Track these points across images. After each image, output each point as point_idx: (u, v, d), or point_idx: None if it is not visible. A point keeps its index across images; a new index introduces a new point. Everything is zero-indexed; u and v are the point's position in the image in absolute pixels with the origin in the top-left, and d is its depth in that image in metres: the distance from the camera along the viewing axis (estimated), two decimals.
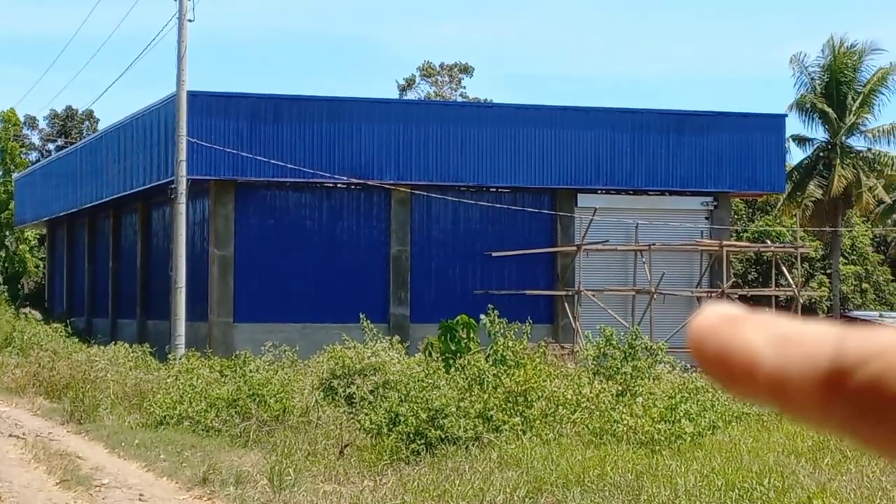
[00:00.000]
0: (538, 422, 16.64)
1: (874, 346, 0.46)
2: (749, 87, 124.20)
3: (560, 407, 17.28)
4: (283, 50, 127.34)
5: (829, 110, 47.57)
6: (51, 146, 69.89)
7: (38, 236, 60.50)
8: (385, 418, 16.32)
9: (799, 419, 0.49)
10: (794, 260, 40.64)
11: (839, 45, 48.28)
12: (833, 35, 48.98)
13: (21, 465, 15.25)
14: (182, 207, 30.21)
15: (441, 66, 69.08)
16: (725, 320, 0.49)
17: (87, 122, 70.19)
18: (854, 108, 47.98)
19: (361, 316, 24.27)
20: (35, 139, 71.62)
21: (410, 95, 67.00)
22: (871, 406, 0.45)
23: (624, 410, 16.75)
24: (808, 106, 48.06)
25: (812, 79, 48.66)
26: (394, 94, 67.92)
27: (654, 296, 35.23)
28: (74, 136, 66.79)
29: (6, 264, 59.82)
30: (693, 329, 0.50)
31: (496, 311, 21.18)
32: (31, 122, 70.72)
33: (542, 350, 21.05)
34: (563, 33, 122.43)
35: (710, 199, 37.17)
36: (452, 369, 19.62)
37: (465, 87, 69.29)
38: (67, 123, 70.47)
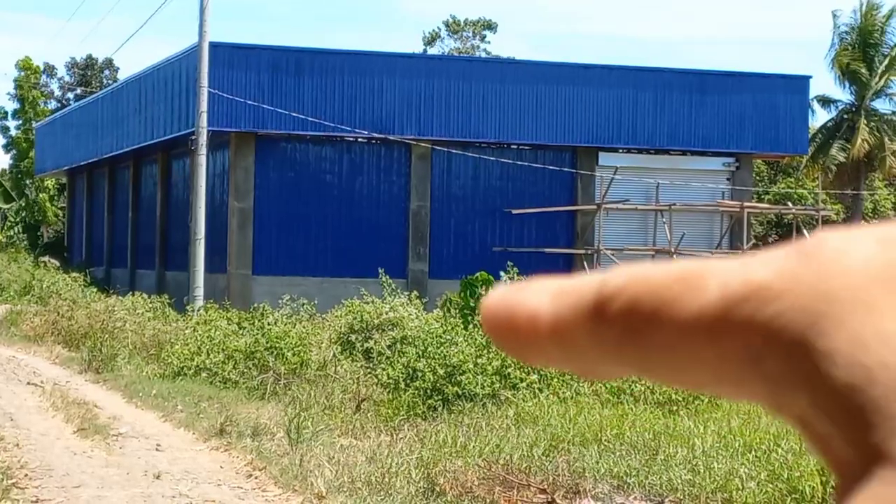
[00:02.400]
0: (555, 380, 16.61)
1: (631, 273, 0.48)
2: (775, 48, 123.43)
3: None
4: (309, 2, 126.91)
5: (863, 69, 47.19)
6: (70, 95, 69.84)
7: (57, 185, 60.61)
8: (402, 374, 16.32)
9: (583, 366, 0.50)
10: (815, 223, 40.45)
11: (868, 5, 47.86)
12: None
13: (39, 413, 15.30)
14: (202, 159, 30.17)
15: (466, 21, 68.84)
16: (511, 291, 0.50)
17: (106, 71, 70.12)
18: (880, 71, 47.63)
19: (380, 271, 24.24)
20: (55, 87, 71.63)
21: (434, 50, 66.80)
22: (633, 328, 0.47)
23: None
24: (843, 65, 47.65)
25: (842, 38, 48.29)
26: (418, 47, 67.73)
27: (674, 256, 35.13)
28: (94, 85, 66.75)
29: (26, 213, 59.99)
30: (482, 304, 0.51)
31: (515, 269, 21.15)
32: (50, 70, 70.68)
33: None
34: None
35: (731, 159, 36.99)
36: (471, 326, 19.60)
37: (488, 43, 69.10)
38: (88, 72, 70.39)
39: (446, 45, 67.78)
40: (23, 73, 62.11)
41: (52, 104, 68.62)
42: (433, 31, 68.83)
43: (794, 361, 0.45)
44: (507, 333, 0.50)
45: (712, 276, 0.47)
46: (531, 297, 0.49)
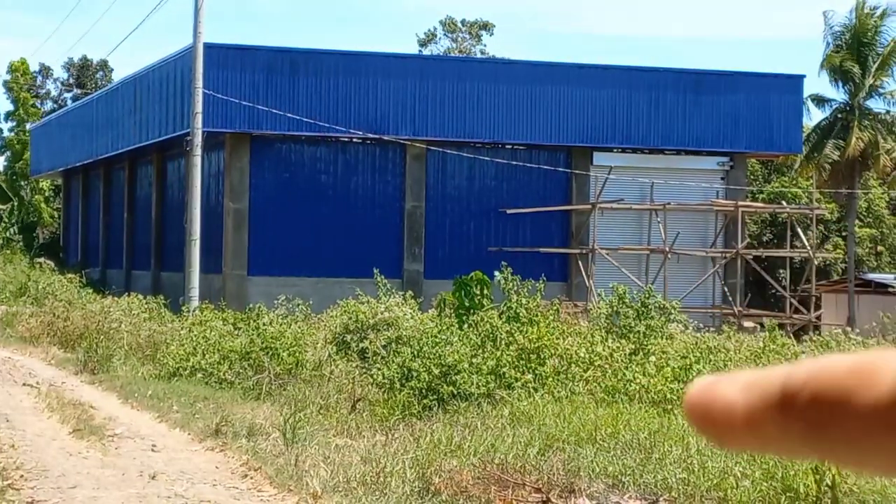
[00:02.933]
0: (550, 379, 16.63)
1: (812, 368, 0.53)
2: (770, 48, 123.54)
3: (573, 365, 17.27)
4: (303, 3, 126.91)
5: (856, 69, 47.25)
6: (66, 95, 69.75)
7: (53, 186, 60.57)
8: (398, 373, 16.33)
9: (776, 451, 0.56)
10: (809, 222, 40.49)
11: (862, 5, 47.92)
12: None
13: (34, 414, 15.31)
14: (197, 160, 30.17)
15: (463, 22, 68.85)
16: (708, 384, 0.57)
17: (101, 72, 70.04)
18: (874, 70, 47.67)
19: (375, 271, 24.26)
20: (51, 87, 71.52)
21: (430, 50, 66.81)
22: (819, 416, 0.52)
23: (637, 369, 16.73)
24: (834, 65, 47.71)
25: (836, 38, 48.34)
26: (414, 48, 67.74)
27: (669, 255, 35.17)
28: (89, 86, 66.67)
29: (21, 214, 59.94)
30: (686, 399, 0.59)
31: (510, 269, 21.16)
32: (46, 71, 70.58)
33: (555, 308, 21.04)
34: None
35: (726, 159, 37.04)
36: (466, 325, 19.62)
37: (484, 45, 69.09)
38: (82, 73, 70.31)
39: (442, 46, 67.78)
40: (12, 76, 62.00)
41: (49, 105, 68.53)
42: (429, 30, 68.83)
43: None
44: (707, 424, 0.56)
45: (884, 368, 0.51)
46: (727, 390, 0.56)
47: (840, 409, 0.51)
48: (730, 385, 0.56)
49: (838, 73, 47.76)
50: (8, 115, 63.40)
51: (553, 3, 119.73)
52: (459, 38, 68.45)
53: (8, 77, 62.03)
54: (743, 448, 0.56)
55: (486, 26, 69.09)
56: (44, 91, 70.32)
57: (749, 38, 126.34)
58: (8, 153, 62.41)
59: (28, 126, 59.94)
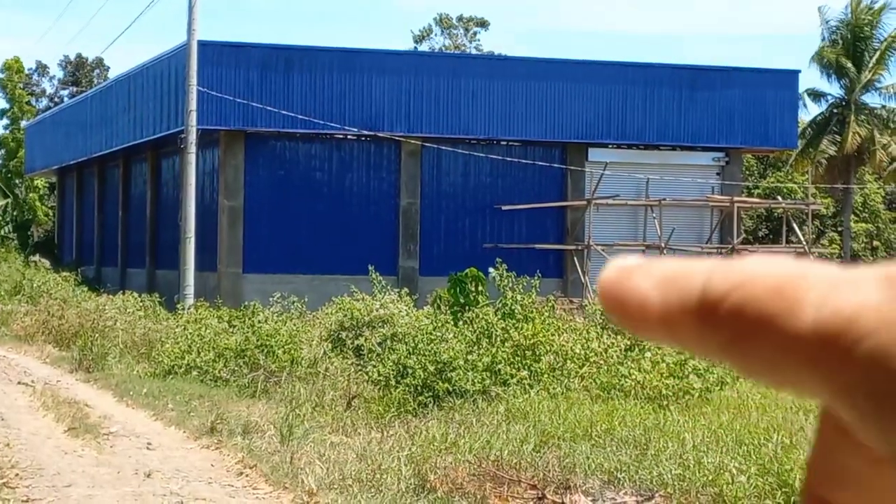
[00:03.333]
0: (546, 376, 16.63)
1: (735, 276, 0.51)
2: (766, 43, 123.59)
3: (568, 361, 17.27)
4: (297, 1, 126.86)
5: (849, 65, 47.27)
6: (62, 93, 69.67)
7: (47, 184, 60.50)
8: (393, 370, 16.32)
9: (688, 350, 0.54)
10: (805, 217, 40.51)
11: (857, 1, 47.94)
12: None
13: (29, 413, 15.28)
14: (192, 157, 30.14)
15: (458, 17, 68.84)
16: (623, 272, 0.55)
17: (97, 71, 69.96)
18: (870, 65, 47.69)
19: (370, 268, 24.23)
20: (46, 86, 71.42)
21: (425, 47, 66.77)
22: (737, 333, 0.50)
23: (632, 366, 16.72)
24: (827, 60, 47.74)
25: (832, 33, 48.36)
26: (409, 45, 67.69)
27: (665, 251, 35.16)
28: (85, 84, 66.60)
29: (16, 212, 59.88)
30: (599, 282, 0.55)
31: (505, 265, 21.15)
32: (43, 69, 70.48)
33: (550, 304, 21.04)
34: None
35: (721, 154, 37.03)
36: (461, 322, 19.61)
37: (479, 41, 69.08)
38: (78, 71, 70.22)
39: (437, 43, 67.73)
40: (5, 74, 61.93)
41: (44, 103, 68.42)
42: (425, 27, 68.77)
43: (886, 400, 0.47)
44: (620, 314, 0.54)
45: (808, 294, 0.50)
46: (639, 282, 0.53)
47: (760, 329, 0.50)
48: (645, 277, 0.54)
49: (832, 68, 47.77)
50: (2, 113, 63.33)
51: (546, 0, 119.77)
52: (454, 35, 68.43)
53: (2, 75, 61.96)
54: (660, 343, 0.54)
55: (481, 23, 69.09)
56: (39, 89, 70.21)
57: (745, 33, 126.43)
58: (2, 151, 62.34)
59: (23, 124, 59.86)
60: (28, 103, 63.55)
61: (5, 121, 63.26)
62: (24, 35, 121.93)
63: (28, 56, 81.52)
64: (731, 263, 0.52)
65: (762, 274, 0.51)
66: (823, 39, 48.52)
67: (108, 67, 69.46)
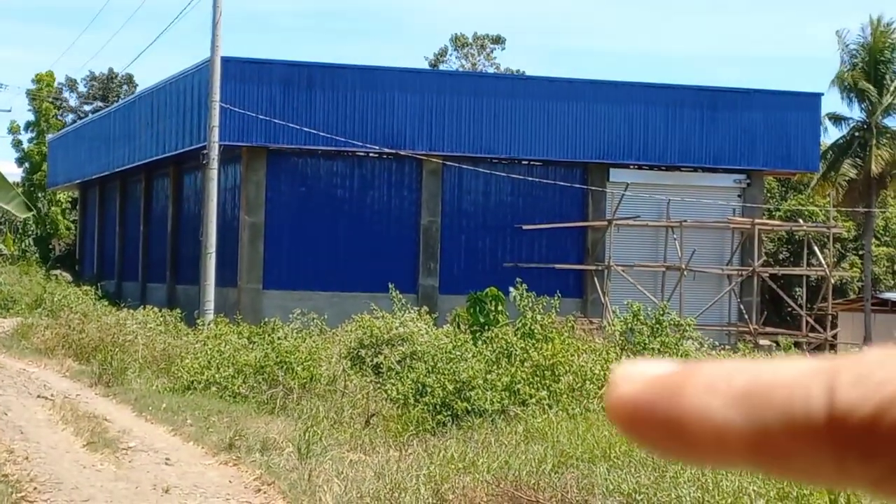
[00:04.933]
0: (565, 396, 16.60)
1: (862, 379, 0.43)
2: (787, 65, 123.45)
3: (587, 382, 17.23)
4: (316, 20, 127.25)
5: (870, 87, 47.14)
6: (87, 108, 69.91)
7: (70, 199, 60.72)
8: (412, 389, 16.31)
9: (795, 475, 0.44)
10: (826, 240, 40.38)
11: (877, 23, 47.84)
12: (871, 14, 48.57)
13: (49, 427, 15.32)
14: (214, 173, 30.23)
15: (474, 36, 68.85)
16: (657, 391, 0.44)
17: (125, 87, 70.17)
18: (892, 88, 47.56)
19: (390, 286, 24.25)
20: (73, 101, 71.69)
21: (441, 68, 66.81)
22: (869, 451, 0.42)
23: None
24: (847, 84, 47.63)
25: (853, 56, 48.24)
26: (425, 63, 67.75)
27: (685, 273, 35.09)
28: (112, 99, 66.82)
29: (38, 226, 60.12)
30: (621, 404, 0.45)
31: (525, 285, 21.13)
32: (72, 84, 70.73)
33: (570, 324, 21.01)
34: (595, 6, 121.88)
35: (743, 176, 36.96)
36: (480, 341, 19.59)
37: (496, 59, 69.07)
38: (107, 86, 70.42)
39: (453, 65, 67.73)
40: (36, 86, 62.30)
41: (70, 118, 68.68)
42: (439, 50, 68.74)
43: None
44: (672, 443, 0.44)
45: None
46: (700, 403, 0.43)
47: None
48: (702, 393, 0.43)
49: (853, 91, 47.65)
50: (28, 126, 63.63)
51: (567, 19, 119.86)
52: (470, 55, 68.43)
53: (34, 86, 62.32)
54: (721, 467, 0.45)
55: (497, 40, 69.08)
56: (67, 104, 70.46)
57: (767, 55, 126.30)
58: (27, 164, 62.63)
59: (47, 138, 60.13)
60: (55, 117, 63.85)
61: (31, 134, 63.56)
62: (49, 49, 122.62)
63: (58, 70, 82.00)
64: (847, 365, 0.43)
65: (890, 368, 0.42)
66: (843, 63, 48.41)
67: (137, 84, 69.68)
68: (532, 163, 35.44)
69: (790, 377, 0.44)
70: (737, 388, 0.44)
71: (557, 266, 34.79)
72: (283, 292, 32.79)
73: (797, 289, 41.34)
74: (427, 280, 34.18)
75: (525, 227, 34.94)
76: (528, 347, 18.15)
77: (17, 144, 64.45)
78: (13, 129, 64.28)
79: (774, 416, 0.43)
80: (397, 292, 23.55)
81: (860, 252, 50.10)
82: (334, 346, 22.11)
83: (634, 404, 0.44)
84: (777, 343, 34.73)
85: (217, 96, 30.54)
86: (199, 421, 15.68)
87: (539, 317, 20.08)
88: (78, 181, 51.86)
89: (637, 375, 0.45)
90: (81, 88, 71.44)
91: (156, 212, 43.39)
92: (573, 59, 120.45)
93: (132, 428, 15.41)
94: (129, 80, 70.26)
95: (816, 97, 38.53)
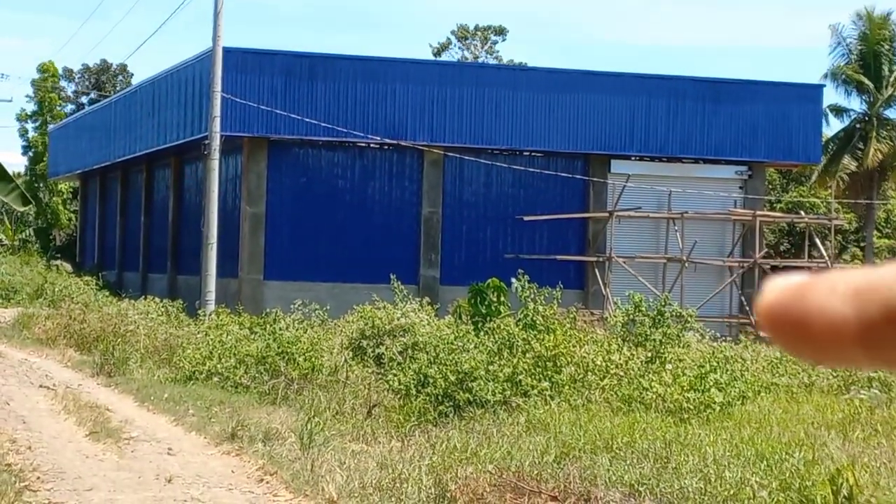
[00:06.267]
0: (567, 387, 16.60)
1: None
2: (787, 57, 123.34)
3: (589, 373, 17.24)
4: (318, 11, 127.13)
5: (867, 81, 47.12)
6: (83, 99, 69.89)
7: (70, 189, 60.72)
8: (414, 380, 16.31)
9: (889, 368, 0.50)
10: (827, 232, 40.39)
11: (869, 14, 47.76)
12: (865, 6, 48.44)
13: (51, 416, 15.33)
14: (215, 164, 30.23)
15: (476, 27, 68.81)
16: (790, 294, 0.51)
17: (120, 77, 70.17)
18: (891, 80, 47.53)
19: (392, 277, 24.24)
20: (70, 91, 71.68)
21: (443, 58, 66.79)
22: None
23: (653, 378, 16.69)
24: (843, 77, 47.60)
25: (849, 49, 48.20)
26: (428, 54, 67.74)
27: (686, 264, 35.10)
28: (108, 89, 66.81)
29: (39, 216, 60.12)
30: (764, 310, 0.52)
31: (526, 276, 21.13)
32: (69, 74, 70.74)
33: (571, 316, 21.02)
34: None
35: (744, 168, 36.95)
36: (482, 332, 19.60)
37: (498, 51, 69.02)
38: (101, 77, 70.41)
39: (455, 56, 67.71)
40: (40, 76, 62.31)
41: (69, 108, 68.69)
42: (442, 41, 68.71)
43: None
44: (803, 343, 0.50)
45: None
46: (821, 302, 0.49)
47: None
48: (823, 294, 0.49)
49: (851, 84, 47.63)
50: (32, 115, 63.67)
51: (568, 10, 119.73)
52: (472, 46, 68.39)
53: (37, 76, 62.37)
54: (845, 365, 0.50)
55: (499, 31, 69.03)
56: (64, 94, 70.49)
57: (769, 46, 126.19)
58: (31, 153, 62.68)
59: (49, 128, 60.16)
60: (57, 108, 63.91)
61: (34, 123, 63.60)
62: (50, 39, 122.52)
63: (58, 61, 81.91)
64: None
65: None
66: (840, 56, 48.35)
67: (132, 74, 69.64)
68: (533, 154, 35.43)
69: (891, 277, 0.50)
70: (851, 287, 0.50)
71: (558, 257, 34.79)
72: (284, 283, 32.80)
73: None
74: (428, 271, 34.18)
75: (526, 218, 34.93)
76: (529, 338, 18.15)
77: (23, 133, 64.52)
78: (21, 118, 64.34)
79: (877, 309, 0.48)
80: (398, 283, 23.55)
81: (861, 244, 50.11)
82: (336, 336, 22.11)
83: (773, 308, 0.51)
84: None
85: (218, 87, 30.52)
86: (200, 411, 15.69)
87: (540, 308, 20.08)
88: (79, 171, 51.85)
89: (778, 286, 0.52)
90: (78, 79, 71.46)
91: (157, 202, 43.39)
92: (574, 51, 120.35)
93: (134, 418, 15.42)
94: (124, 69, 70.24)
95: (818, 89, 38.51)
